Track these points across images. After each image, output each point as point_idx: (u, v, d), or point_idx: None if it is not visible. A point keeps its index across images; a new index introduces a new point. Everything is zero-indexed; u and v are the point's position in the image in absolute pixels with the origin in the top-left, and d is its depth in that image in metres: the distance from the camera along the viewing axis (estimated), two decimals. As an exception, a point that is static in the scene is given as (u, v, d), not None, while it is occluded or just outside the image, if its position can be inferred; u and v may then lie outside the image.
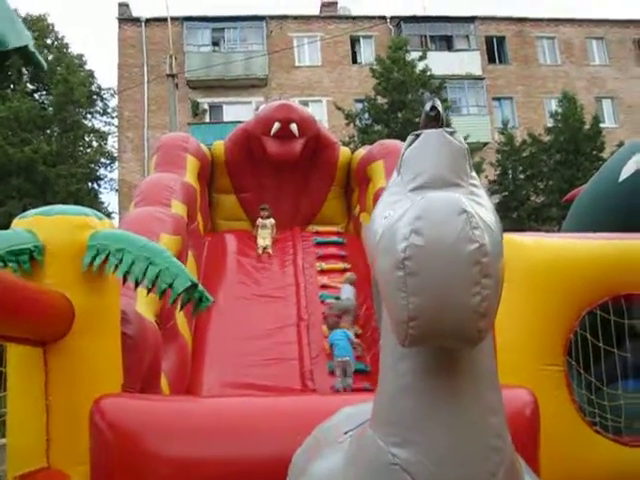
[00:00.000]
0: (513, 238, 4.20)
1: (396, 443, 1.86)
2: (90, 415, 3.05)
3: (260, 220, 9.40)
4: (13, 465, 3.84)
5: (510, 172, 25.21)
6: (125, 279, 4.09)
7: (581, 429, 4.06)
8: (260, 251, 9.17)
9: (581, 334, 4.15)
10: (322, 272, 8.99)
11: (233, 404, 3.38)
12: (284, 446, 2.65)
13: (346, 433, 2.19)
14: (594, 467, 4.00)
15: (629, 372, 4.32)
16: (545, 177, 24.86)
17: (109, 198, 37.82)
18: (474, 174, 1.91)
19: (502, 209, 23.11)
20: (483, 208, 1.78)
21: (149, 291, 4.09)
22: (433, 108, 1.94)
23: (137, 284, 4.14)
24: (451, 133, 1.88)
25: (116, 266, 3.98)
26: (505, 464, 1.88)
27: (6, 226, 4.12)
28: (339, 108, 24.63)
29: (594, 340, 4.14)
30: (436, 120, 1.93)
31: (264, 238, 9.28)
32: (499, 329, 3.77)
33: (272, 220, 9.35)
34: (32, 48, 3.59)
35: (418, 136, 1.92)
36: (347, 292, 8.16)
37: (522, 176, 25.20)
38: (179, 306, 4.20)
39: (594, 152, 24.42)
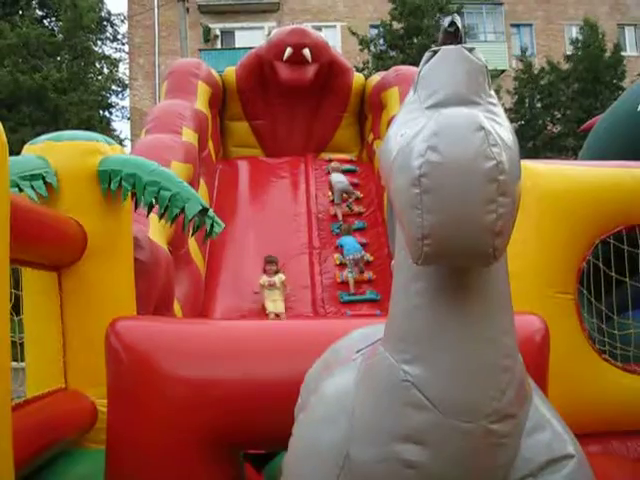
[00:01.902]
0: (526, 165, 4.13)
1: (407, 360, 1.88)
2: (106, 337, 3.09)
3: (265, 278, 7.37)
4: (32, 387, 3.93)
5: (527, 100, 24.77)
6: (137, 204, 4.10)
7: (590, 357, 4.09)
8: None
9: (593, 263, 4.14)
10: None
11: (247, 326, 3.42)
12: (296, 367, 2.69)
13: (358, 352, 2.22)
14: (602, 394, 4.05)
15: (640, 302, 4.33)
16: (563, 106, 24.42)
17: (121, 126, 37.69)
18: (492, 92, 1.86)
19: (518, 138, 22.50)
20: (501, 126, 1.74)
21: (161, 217, 4.10)
22: (452, 24, 1.88)
23: (149, 210, 4.15)
24: (470, 50, 1.82)
25: (131, 192, 3.99)
26: (514, 383, 1.91)
27: (19, 154, 4.12)
28: (354, 33, 24.12)
29: (606, 269, 4.13)
30: (455, 36, 1.88)
31: (274, 301, 7.27)
32: (510, 256, 3.76)
33: (282, 276, 7.41)
34: None
35: (436, 53, 1.86)
36: (338, 177, 8.80)
37: (539, 105, 24.77)
38: (191, 231, 4.22)
39: (614, 81, 23.89)
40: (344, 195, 8.77)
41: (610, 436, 4.03)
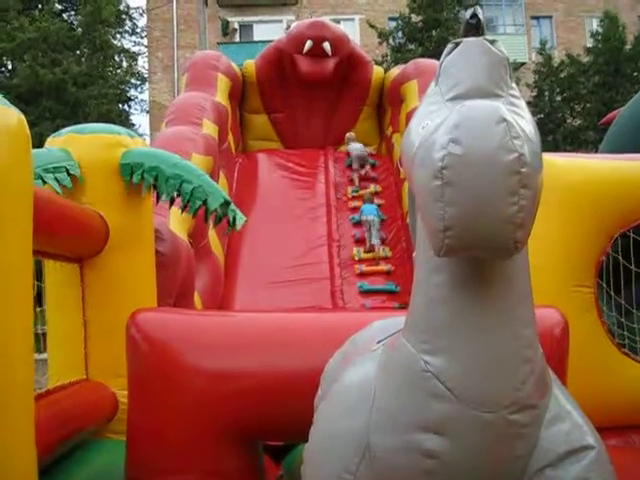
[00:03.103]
0: (546, 158, 4.06)
1: (428, 350, 1.89)
2: (127, 328, 3.11)
3: None
4: (54, 377, 3.98)
5: (547, 94, 24.55)
6: (159, 197, 4.13)
7: (609, 350, 4.07)
8: None
9: (613, 256, 4.12)
10: (354, 198, 8.99)
11: (267, 318, 3.43)
12: (316, 359, 2.70)
13: (379, 342, 2.23)
14: (621, 388, 4.03)
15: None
16: (583, 99, 24.18)
17: (140, 120, 37.87)
18: (514, 85, 1.86)
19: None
20: (523, 119, 1.74)
21: (183, 209, 4.12)
22: (474, 16, 1.88)
23: (171, 202, 4.18)
24: (492, 42, 1.83)
25: (153, 185, 4.01)
26: (535, 374, 1.91)
27: (39, 147, 4.15)
28: (372, 26, 23.97)
29: (626, 263, 4.11)
30: (476, 28, 1.88)
31: None
32: (530, 249, 3.74)
33: None
34: None
35: (457, 45, 1.87)
36: (355, 145, 9.35)
37: (559, 98, 24.54)
38: (212, 224, 4.24)
39: (635, 74, 23.63)
40: (360, 162, 9.23)
41: (630, 430, 4.01)
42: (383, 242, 8.28)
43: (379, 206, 8.63)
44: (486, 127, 1.64)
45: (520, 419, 1.88)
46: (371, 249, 8.12)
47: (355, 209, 8.73)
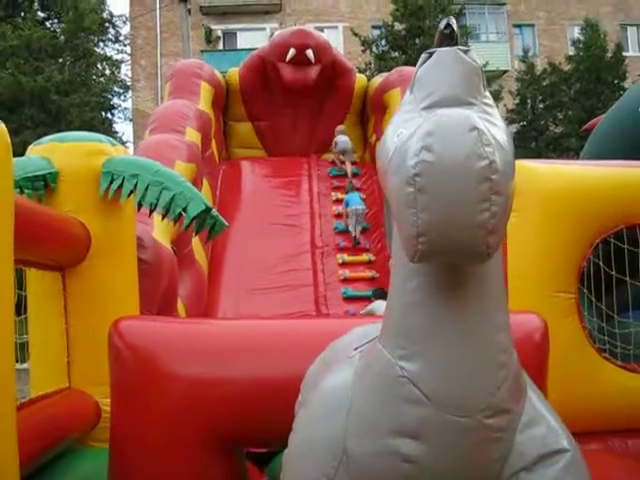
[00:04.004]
0: (526, 165, 4.15)
1: (404, 356, 1.90)
2: (109, 337, 3.10)
3: None
4: (36, 386, 3.96)
5: (529, 101, 24.77)
6: (140, 205, 4.13)
7: (590, 355, 4.10)
8: None
9: (594, 262, 4.16)
10: (337, 202, 9.06)
11: (250, 326, 3.43)
12: (298, 366, 2.70)
13: (356, 349, 2.25)
14: (601, 392, 4.06)
15: (641, 301, 4.34)
16: (565, 107, 24.41)
17: (123, 128, 37.69)
18: (487, 93, 1.89)
19: (520, 139, 22.82)
20: (495, 127, 1.77)
21: (164, 216, 4.13)
22: (447, 26, 1.91)
23: (152, 210, 4.18)
24: (465, 51, 1.85)
25: (131, 192, 4.01)
26: (510, 378, 1.93)
27: (21, 156, 4.13)
28: (356, 34, 24.11)
29: (607, 268, 4.15)
30: (450, 38, 1.91)
31: None
32: (512, 256, 3.78)
33: None
34: None
35: (432, 54, 1.89)
36: (344, 139, 9.55)
37: (541, 106, 24.77)
38: (194, 231, 4.25)
39: (615, 81, 23.89)
40: (341, 156, 9.56)
41: (610, 434, 4.04)
42: (364, 231, 8.55)
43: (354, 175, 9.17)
44: (458, 134, 1.67)
45: (495, 423, 1.90)
46: (357, 244, 8.36)
47: (339, 216, 8.77)
